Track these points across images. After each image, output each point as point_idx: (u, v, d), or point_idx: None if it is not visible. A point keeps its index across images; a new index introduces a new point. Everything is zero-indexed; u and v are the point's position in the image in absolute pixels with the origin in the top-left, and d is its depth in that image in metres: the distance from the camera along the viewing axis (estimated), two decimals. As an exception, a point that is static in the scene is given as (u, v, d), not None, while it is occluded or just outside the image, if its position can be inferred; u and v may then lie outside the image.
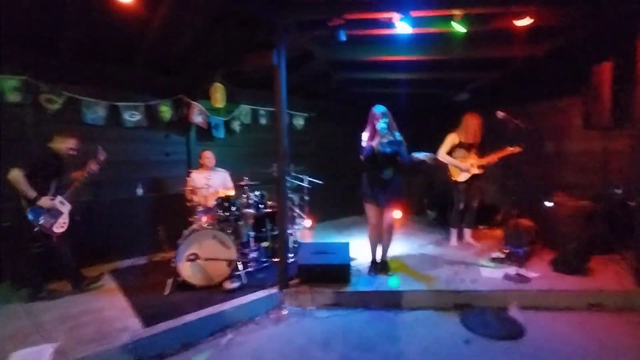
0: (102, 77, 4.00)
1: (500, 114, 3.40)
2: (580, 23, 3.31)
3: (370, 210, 3.34)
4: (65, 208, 3.12)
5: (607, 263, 3.52)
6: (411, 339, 2.53)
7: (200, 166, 4.16)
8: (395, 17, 3.02)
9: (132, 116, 4.17)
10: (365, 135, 3.28)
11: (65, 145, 3.13)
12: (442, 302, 2.97)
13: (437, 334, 2.58)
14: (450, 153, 4.18)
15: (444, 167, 4.33)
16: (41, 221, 2.92)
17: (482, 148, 4.19)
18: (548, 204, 4.23)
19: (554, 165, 4.97)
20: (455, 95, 5.68)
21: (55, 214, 3.02)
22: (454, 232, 4.47)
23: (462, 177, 4.19)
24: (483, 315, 2.77)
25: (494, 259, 3.74)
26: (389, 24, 3.21)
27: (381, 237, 3.43)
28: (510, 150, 3.90)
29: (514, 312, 2.77)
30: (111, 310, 2.75)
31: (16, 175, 2.83)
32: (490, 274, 3.38)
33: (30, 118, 3.59)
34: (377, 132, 3.14)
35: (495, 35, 3.66)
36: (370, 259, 3.52)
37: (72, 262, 3.20)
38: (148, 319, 2.53)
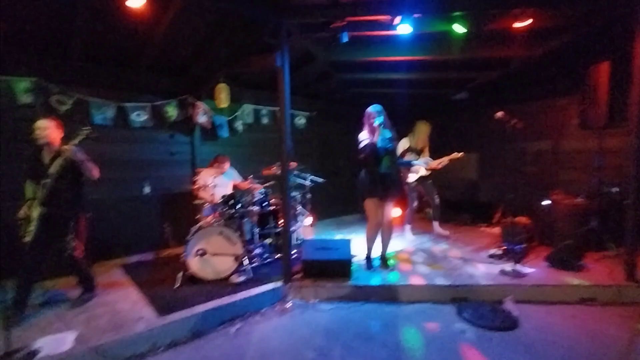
0: (110, 78, 4.11)
1: (498, 115, 3.50)
2: (577, 24, 3.41)
3: (371, 206, 3.42)
4: None
5: (601, 259, 3.64)
6: (409, 329, 2.66)
7: (210, 165, 4.27)
8: (396, 18, 3.12)
9: (139, 116, 4.28)
10: (363, 135, 3.39)
11: None
12: (440, 296, 3.09)
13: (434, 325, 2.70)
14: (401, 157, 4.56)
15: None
16: None
17: (431, 152, 4.71)
18: (545, 202, 4.33)
19: (552, 164, 5.06)
20: (455, 95, 5.78)
21: None
22: (408, 228, 4.89)
23: (411, 179, 4.70)
24: (479, 307, 2.89)
25: (491, 256, 3.85)
26: (390, 26, 3.31)
27: (381, 233, 3.54)
28: (454, 155, 4.42)
29: (509, 305, 2.89)
30: (125, 302, 2.88)
31: None
32: (487, 269, 3.49)
33: (41, 119, 3.70)
34: (376, 128, 3.28)
35: (494, 35, 3.76)
36: (365, 255, 3.61)
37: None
38: (161, 310, 2.66)
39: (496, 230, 4.88)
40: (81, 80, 3.91)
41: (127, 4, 2.81)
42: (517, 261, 3.51)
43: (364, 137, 3.36)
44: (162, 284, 3.25)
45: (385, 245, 3.62)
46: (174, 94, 4.53)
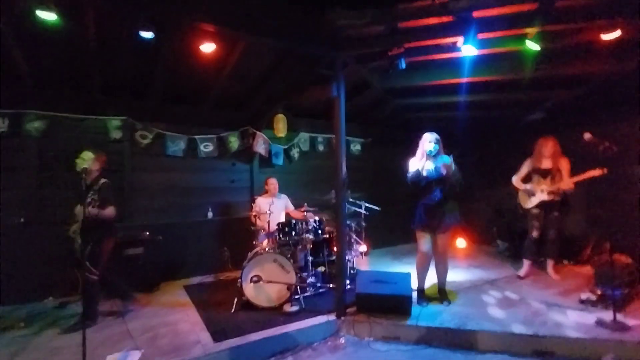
0: (183, 115, 4.61)
1: (587, 136, 3.04)
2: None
3: (421, 237, 3.26)
4: None
5: None
6: (482, 385, 2.29)
7: (264, 192, 4.42)
8: (460, 40, 2.95)
9: (206, 147, 4.67)
10: (413, 160, 3.26)
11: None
12: (519, 347, 2.65)
13: (513, 384, 2.30)
14: (527, 180, 4.01)
15: (514, 194, 4.14)
16: None
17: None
18: (652, 237, 3.59)
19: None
20: (528, 116, 5.26)
21: None
22: (526, 263, 4.12)
23: (529, 204, 3.96)
24: (571, 366, 2.40)
25: (583, 302, 3.24)
26: (452, 48, 3.16)
27: (435, 266, 3.34)
28: (592, 173, 3.40)
29: (611, 367, 2.35)
30: (185, 324, 3.00)
31: None
32: (578, 318, 2.93)
33: (128, 151, 4.24)
34: (425, 156, 3.17)
35: (574, 50, 3.37)
36: (416, 287, 3.37)
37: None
38: (216, 335, 2.71)
39: (586, 269, 4.15)
40: (160, 117, 4.44)
41: (201, 48, 3.12)
42: (618, 310, 2.89)
43: (412, 164, 3.25)
44: (220, 307, 3.34)
45: (440, 277, 3.39)
46: (236, 125, 4.88)
